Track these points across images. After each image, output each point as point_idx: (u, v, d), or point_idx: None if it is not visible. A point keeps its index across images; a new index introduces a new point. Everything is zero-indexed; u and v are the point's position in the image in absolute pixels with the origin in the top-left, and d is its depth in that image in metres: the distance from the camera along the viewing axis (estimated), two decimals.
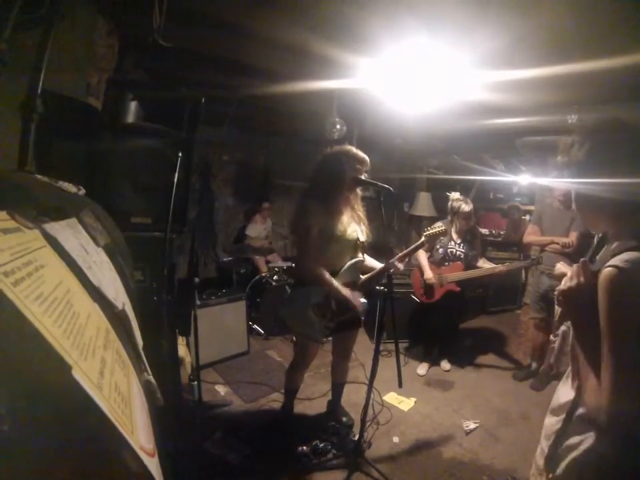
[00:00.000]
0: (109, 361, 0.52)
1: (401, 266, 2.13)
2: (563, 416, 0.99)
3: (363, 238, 2.23)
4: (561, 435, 0.99)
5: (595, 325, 0.85)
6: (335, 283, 2.11)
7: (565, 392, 1.02)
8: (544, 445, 1.04)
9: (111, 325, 0.62)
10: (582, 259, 0.94)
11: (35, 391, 0.33)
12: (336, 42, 2.48)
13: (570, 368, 1.05)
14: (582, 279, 0.91)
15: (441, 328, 3.53)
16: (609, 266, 0.83)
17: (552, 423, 1.03)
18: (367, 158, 2.14)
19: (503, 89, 2.90)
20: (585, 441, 0.91)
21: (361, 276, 2.29)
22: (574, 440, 0.94)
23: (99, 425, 0.42)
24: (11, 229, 0.43)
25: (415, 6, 2.14)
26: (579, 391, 0.96)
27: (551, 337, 1.28)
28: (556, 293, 0.96)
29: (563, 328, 1.23)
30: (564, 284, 0.94)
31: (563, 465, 0.95)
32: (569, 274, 0.94)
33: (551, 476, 0.99)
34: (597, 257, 1.02)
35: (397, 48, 2.49)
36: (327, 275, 2.10)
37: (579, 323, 0.92)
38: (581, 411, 0.95)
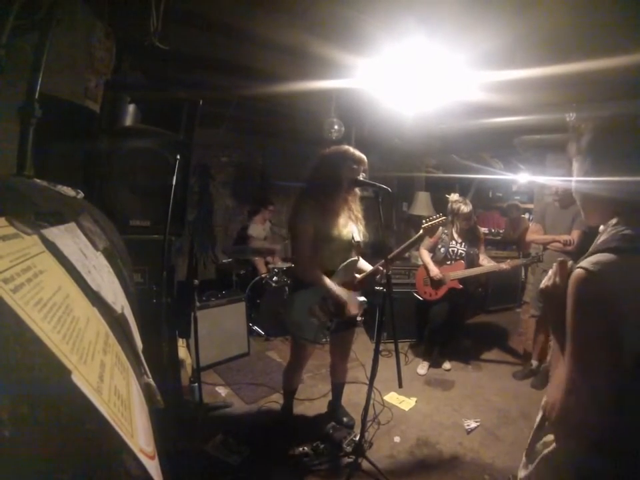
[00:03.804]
0: (108, 365, 0.52)
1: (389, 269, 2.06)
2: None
3: (358, 238, 2.24)
4: (538, 431, 1.00)
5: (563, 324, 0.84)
6: (331, 284, 2.11)
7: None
8: (530, 439, 1.05)
9: (111, 329, 0.63)
10: (560, 259, 0.93)
11: (35, 396, 0.33)
12: (334, 42, 2.48)
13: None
14: (558, 278, 0.90)
15: (443, 326, 3.53)
16: (579, 267, 0.81)
17: (538, 418, 1.03)
18: (364, 157, 2.13)
19: (502, 88, 2.91)
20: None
21: (356, 275, 2.29)
22: (549, 437, 0.94)
23: (99, 429, 0.42)
24: (9, 235, 0.43)
25: (412, 6, 2.15)
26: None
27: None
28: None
29: None
30: (543, 282, 0.94)
31: (536, 460, 0.96)
32: (549, 272, 0.94)
33: (529, 468, 1.00)
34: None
35: (395, 48, 2.49)
36: (323, 277, 2.10)
37: (554, 322, 0.92)
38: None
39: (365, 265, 2.34)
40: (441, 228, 3.47)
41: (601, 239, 0.92)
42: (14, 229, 0.46)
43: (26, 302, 0.38)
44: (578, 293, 0.81)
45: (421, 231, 2.27)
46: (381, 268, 2.12)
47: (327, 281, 2.11)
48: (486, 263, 3.36)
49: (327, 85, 3.03)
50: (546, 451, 0.94)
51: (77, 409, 0.39)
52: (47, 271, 0.48)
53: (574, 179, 0.96)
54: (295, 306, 2.22)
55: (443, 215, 2.31)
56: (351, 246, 2.22)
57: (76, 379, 0.40)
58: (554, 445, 0.91)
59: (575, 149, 0.95)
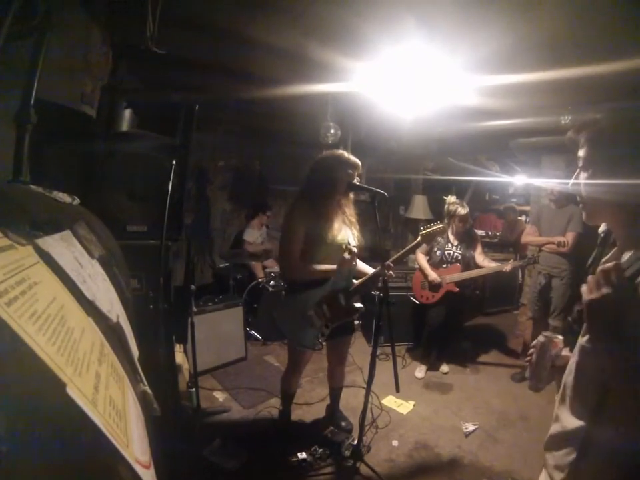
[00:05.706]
0: (103, 375, 0.52)
1: (392, 273, 2.11)
2: (576, 445, 0.88)
3: (353, 242, 2.24)
4: (577, 466, 0.89)
5: (628, 342, 0.73)
6: (324, 266, 2.12)
7: (567, 417, 0.92)
8: (556, 477, 0.93)
9: (106, 338, 0.62)
10: (614, 263, 0.79)
11: (31, 411, 0.33)
12: (330, 46, 2.49)
13: (570, 389, 0.93)
14: (608, 288, 0.76)
15: (441, 329, 3.53)
16: None
17: (564, 452, 0.92)
18: (359, 162, 2.14)
19: (499, 91, 2.92)
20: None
21: (354, 281, 2.29)
22: (598, 474, 0.85)
23: (95, 441, 0.42)
24: (3, 247, 0.43)
25: (410, 9, 2.15)
26: (596, 419, 0.84)
27: (530, 350, 1.21)
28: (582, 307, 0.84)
29: (540, 339, 1.15)
30: (588, 295, 0.80)
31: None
32: (590, 283, 0.80)
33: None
34: (603, 260, 0.94)
35: (392, 51, 2.50)
36: (316, 266, 2.10)
37: (607, 340, 0.79)
38: (602, 443, 0.83)
39: (364, 268, 2.35)
40: None
41: (630, 252, 0.83)
42: (8, 240, 0.45)
43: (20, 315, 0.38)
44: None
45: (419, 238, 2.30)
46: (379, 273, 2.12)
47: (315, 266, 2.10)
48: (486, 263, 3.36)
49: (324, 89, 3.03)
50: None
51: (73, 422, 0.39)
52: (42, 282, 0.47)
53: (581, 181, 0.91)
54: (289, 311, 2.20)
55: (440, 223, 2.33)
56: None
57: (71, 391, 0.39)
58: None
59: (582, 148, 0.90)
